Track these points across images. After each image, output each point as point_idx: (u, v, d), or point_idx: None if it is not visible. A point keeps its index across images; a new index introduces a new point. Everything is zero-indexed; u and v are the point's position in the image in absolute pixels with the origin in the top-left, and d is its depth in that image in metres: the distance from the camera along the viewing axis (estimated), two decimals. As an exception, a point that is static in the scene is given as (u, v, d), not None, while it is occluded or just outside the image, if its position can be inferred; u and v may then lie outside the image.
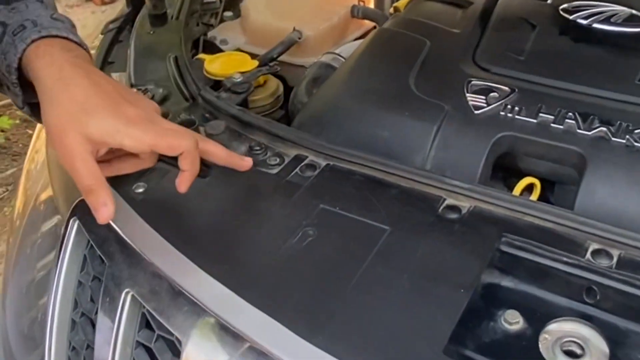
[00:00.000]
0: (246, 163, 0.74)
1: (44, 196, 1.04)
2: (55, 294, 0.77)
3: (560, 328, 0.60)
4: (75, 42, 0.70)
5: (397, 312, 0.59)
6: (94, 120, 0.63)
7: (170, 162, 0.75)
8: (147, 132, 0.65)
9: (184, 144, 0.66)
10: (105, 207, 0.64)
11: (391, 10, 1.23)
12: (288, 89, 1.06)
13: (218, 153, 0.72)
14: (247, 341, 0.59)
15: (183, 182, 0.69)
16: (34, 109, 0.73)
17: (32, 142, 1.25)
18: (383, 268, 0.63)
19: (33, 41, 0.67)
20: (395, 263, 0.63)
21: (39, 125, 1.24)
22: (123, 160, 0.71)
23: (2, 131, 2.83)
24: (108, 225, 0.72)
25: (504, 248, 0.65)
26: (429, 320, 0.58)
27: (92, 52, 1.13)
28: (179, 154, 0.67)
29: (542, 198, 0.76)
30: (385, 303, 0.60)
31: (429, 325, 0.58)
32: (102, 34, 1.15)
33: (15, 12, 0.70)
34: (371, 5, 1.23)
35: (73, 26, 0.72)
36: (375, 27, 1.19)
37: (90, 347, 0.74)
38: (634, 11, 0.86)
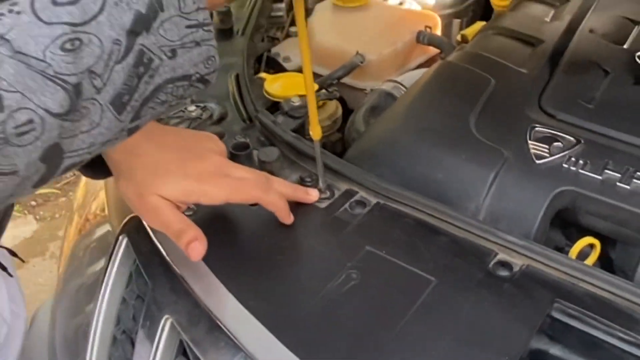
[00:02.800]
0: (312, 197, 0.75)
1: (102, 196, 1.05)
2: (100, 308, 0.78)
3: (608, 407, 0.57)
4: None
5: (436, 374, 0.57)
6: (168, 184, 0.65)
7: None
8: (220, 189, 0.67)
9: (255, 196, 0.69)
10: (197, 241, 0.65)
11: (458, 37, 1.20)
12: (348, 111, 1.05)
13: (286, 193, 0.73)
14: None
15: (281, 218, 0.72)
16: None
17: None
18: (425, 324, 0.61)
19: None
20: (438, 320, 0.61)
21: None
22: None
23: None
24: (154, 247, 0.73)
25: (556, 315, 0.62)
26: (467, 387, 0.56)
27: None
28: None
29: (602, 258, 0.73)
30: (424, 363, 0.58)
31: (467, 393, 0.56)
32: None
33: None
34: (438, 32, 1.20)
35: None
36: (441, 53, 1.17)
37: (128, 364, 0.75)
38: None
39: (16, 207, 2.62)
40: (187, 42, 0.48)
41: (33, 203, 2.72)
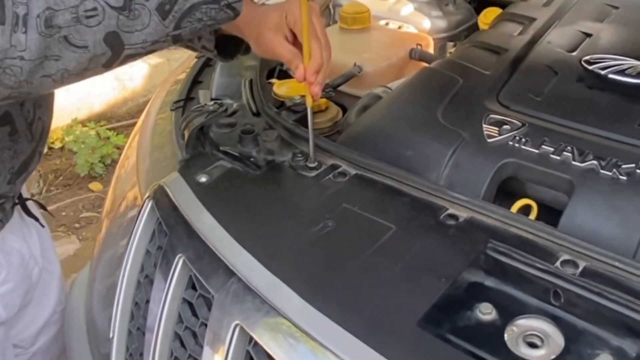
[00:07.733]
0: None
1: (130, 194, 1.23)
2: (127, 259, 0.95)
3: (526, 323, 0.71)
4: None
5: (385, 291, 0.72)
6: None
7: (230, 160, 0.94)
8: None
9: None
10: None
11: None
12: (347, 116, 1.22)
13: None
14: (262, 298, 0.73)
15: None
16: None
17: (124, 151, 1.44)
18: (382, 257, 0.76)
19: None
20: (392, 254, 0.76)
21: (131, 137, 1.44)
22: None
23: (118, 148, 3.15)
24: (173, 205, 0.90)
25: (490, 252, 0.76)
26: (409, 299, 0.71)
27: (184, 74, 1.34)
28: None
29: (541, 218, 0.86)
30: (377, 283, 0.73)
31: (409, 304, 0.70)
32: (196, 57, 1.36)
33: None
34: (430, 50, 1.37)
35: None
36: (431, 68, 1.33)
37: (149, 302, 0.91)
38: (649, 65, 0.96)
39: (62, 228, 2.85)
40: None
41: (77, 225, 2.94)
